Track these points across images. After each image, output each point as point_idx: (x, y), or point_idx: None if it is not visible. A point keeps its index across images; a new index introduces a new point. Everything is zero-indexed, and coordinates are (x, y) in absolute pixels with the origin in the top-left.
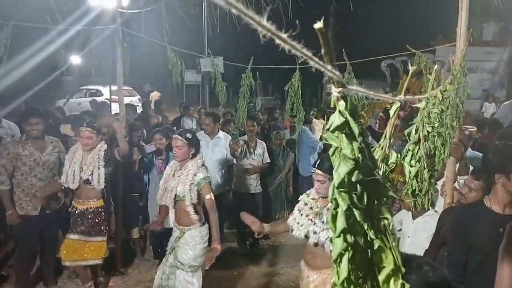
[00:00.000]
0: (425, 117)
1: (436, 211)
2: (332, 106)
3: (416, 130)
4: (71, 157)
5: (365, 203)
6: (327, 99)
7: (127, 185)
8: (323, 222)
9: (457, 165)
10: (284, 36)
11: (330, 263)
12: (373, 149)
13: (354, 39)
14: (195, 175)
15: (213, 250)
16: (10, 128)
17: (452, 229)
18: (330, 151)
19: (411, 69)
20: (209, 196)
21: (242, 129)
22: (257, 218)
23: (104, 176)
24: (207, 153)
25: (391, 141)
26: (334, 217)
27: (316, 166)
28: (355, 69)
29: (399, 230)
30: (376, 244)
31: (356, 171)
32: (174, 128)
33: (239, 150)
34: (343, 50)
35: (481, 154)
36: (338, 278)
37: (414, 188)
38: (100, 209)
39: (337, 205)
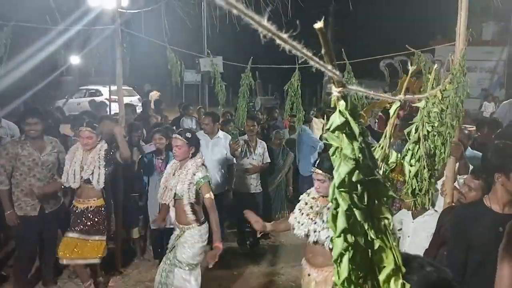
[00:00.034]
0: (425, 116)
1: (436, 210)
2: (332, 106)
3: (416, 130)
4: (72, 157)
5: (366, 203)
6: (326, 99)
7: (127, 185)
8: (323, 221)
9: (457, 164)
10: (285, 36)
11: (331, 261)
12: (373, 148)
13: (354, 39)
14: (194, 174)
15: (215, 248)
16: (10, 128)
17: (452, 228)
18: (331, 151)
19: (411, 68)
20: (208, 195)
21: (242, 129)
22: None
23: (104, 176)
24: (207, 152)
25: (391, 140)
26: (335, 217)
27: (316, 166)
28: (354, 69)
29: (399, 230)
30: (377, 244)
31: (357, 171)
32: (174, 128)
33: (239, 149)
34: (343, 49)
35: (481, 154)
36: (339, 278)
37: (414, 187)
38: (100, 208)
39: (337, 205)
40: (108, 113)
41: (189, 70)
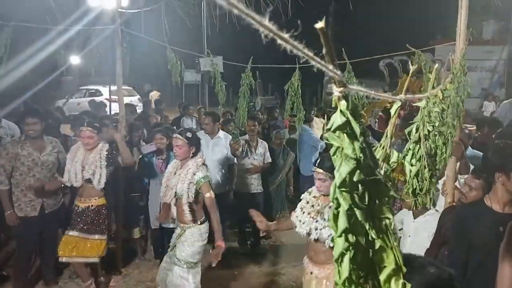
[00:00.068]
0: (426, 116)
1: (437, 210)
2: (333, 105)
3: (417, 129)
4: (73, 156)
5: (367, 203)
6: (327, 99)
7: (128, 185)
8: (324, 219)
9: (458, 164)
10: (286, 36)
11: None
12: (374, 148)
13: (354, 39)
14: (195, 174)
15: (217, 247)
16: (10, 128)
17: (452, 228)
18: (332, 151)
19: (412, 68)
20: (209, 195)
21: (243, 129)
22: None
23: (105, 176)
24: (207, 152)
25: (392, 140)
26: (336, 217)
27: (317, 165)
28: (354, 69)
29: (400, 230)
30: (378, 243)
31: (358, 171)
32: (174, 127)
33: (240, 149)
34: (343, 49)
35: (481, 153)
36: (340, 278)
37: (414, 187)
38: (101, 208)
39: (338, 205)
40: (108, 113)
41: (189, 70)
